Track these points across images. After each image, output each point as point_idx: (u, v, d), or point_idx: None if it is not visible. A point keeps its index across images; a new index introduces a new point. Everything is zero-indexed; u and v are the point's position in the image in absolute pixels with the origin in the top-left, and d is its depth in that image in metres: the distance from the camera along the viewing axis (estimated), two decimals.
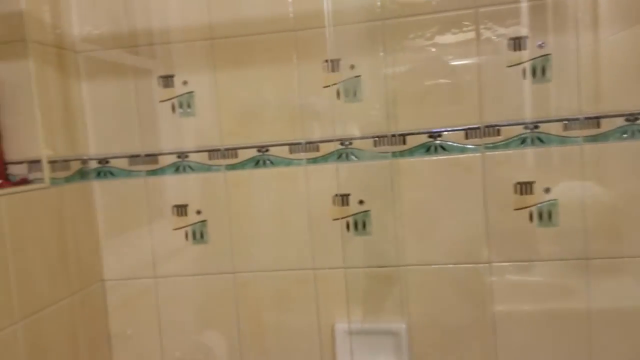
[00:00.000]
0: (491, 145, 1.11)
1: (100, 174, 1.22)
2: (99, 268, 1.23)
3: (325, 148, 1.17)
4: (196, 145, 1.20)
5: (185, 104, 1.19)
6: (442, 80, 1.12)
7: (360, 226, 1.17)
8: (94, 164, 1.22)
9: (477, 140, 1.12)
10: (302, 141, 1.17)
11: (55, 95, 1.12)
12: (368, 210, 1.17)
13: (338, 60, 1.15)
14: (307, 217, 1.18)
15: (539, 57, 1.09)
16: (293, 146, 1.17)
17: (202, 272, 1.22)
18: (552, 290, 1.12)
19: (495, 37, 1.10)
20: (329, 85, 1.15)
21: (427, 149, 1.14)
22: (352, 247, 1.18)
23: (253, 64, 1.17)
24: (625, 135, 1.07)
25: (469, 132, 1.12)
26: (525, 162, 1.11)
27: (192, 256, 1.22)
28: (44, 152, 1.07)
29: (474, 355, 1.16)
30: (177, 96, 1.19)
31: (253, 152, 1.18)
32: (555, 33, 1.08)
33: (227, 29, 1.16)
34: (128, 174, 1.21)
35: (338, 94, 1.15)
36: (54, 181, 1.09)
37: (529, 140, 1.10)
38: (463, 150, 1.13)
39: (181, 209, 1.21)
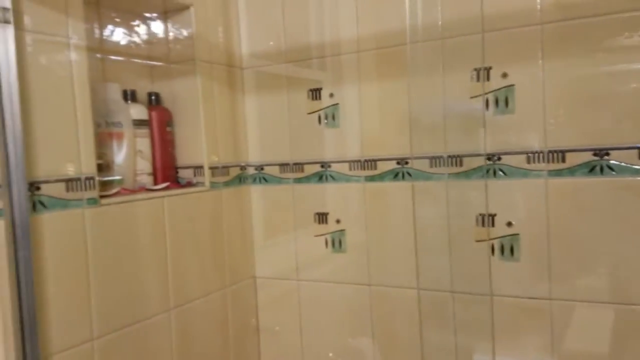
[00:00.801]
0: None
1: (256, 179, 1.32)
2: (251, 265, 1.34)
3: (470, 163, 1.09)
4: (338, 156, 1.22)
5: (330, 115, 1.22)
6: (610, 91, 0.96)
7: (507, 251, 1.07)
8: (251, 170, 1.33)
9: None
10: (444, 155, 1.11)
11: (221, 108, 1.25)
12: (517, 234, 1.06)
13: (489, 69, 1.06)
14: (446, 235, 1.12)
15: None
16: (434, 159, 1.12)
17: (339, 280, 1.24)
18: None
19: None
20: (477, 96, 1.07)
21: (591, 168, 0.99)
22: (496, 273, 1.08)
23: (396, 75, 1.15)
24: None
25: None
26: None
27: (331, 264, 1.25)
28: (206, 159, 1.20)
29: None
30: (323, 108, 1.23)
31: (392, 165, 1.16)
32: None
33: (373, 40, 1.16)
34: (279, 180, 1.29)
35: (487, 104, 1.06)
36: (214, 185, 1.21)
37: None
38: (636, 172, 0.95)
39: (322, 217, 1.25)
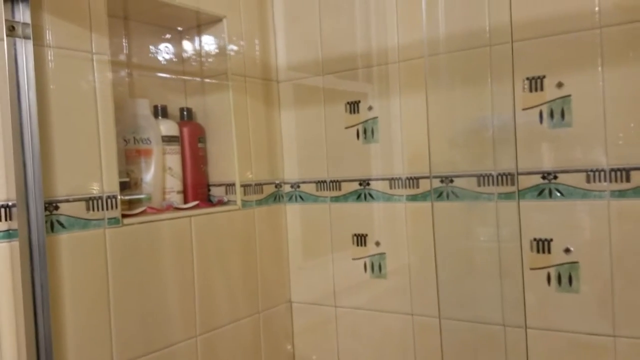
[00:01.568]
0: None
1: (292, 198, 1.26)
2: (286, 290, 1.27)
3: (524, 182, 0.98)
4: (377, 173, 1.14)
5: (369, 130, 1.15)
6: None
7: (564, 280, 0.95)
8: (287, 188, 1.26)
9: None
10: (494, 172, 1.01)
11: (255, 123, 1.19)
12: (576, 262, 0.94)
13: (542, 78, 0.96)
14: (497, 261, 1.01)
15: None
16: (482, 178, 1.02)
17: (379, 309, 1.15)
18: None
19: None
20: (530, 107, 0.97)
21: None
22: (553, 305, 0.96)
23: (441, 85, 1.06)
24: None
25: None
26: None
27: (370, 290, 1.16)
28: (238, 176, 1.15)
29: None
30: (362, 122, 1.16)
31: (436, 183, 1.07)
32: None
33: (414, 49, 1.08)
34: (315, 199, 1.22)
35: (541, 117, 0.96)
36: (246, 204, 1.16)
37: None
38: None
39: (361, 239, 1.17)
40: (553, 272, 0.96)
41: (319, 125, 1.21)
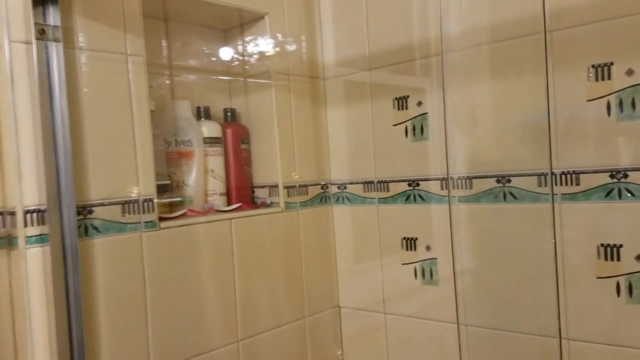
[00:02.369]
0: None
1: (339, 199, 1.21)
2: (334, 294, 1.22)
3: (589, 181, 0.88)
4: (427, 173, 1.06)
5: (418, 127, 1.07)
6: None
7: (637, 291, 0.84)
8: (334, 189, 1.22)
9: None
10: (556, 171, 0.91)
11: (300, 122, 1.15)
12: None
13: (609, 65, 0.85)
14: (560, 269, 0.91)
15: None
16: (541, 177, 0.92)
17: (430, 317, 1.08)
18: None
19: None
20: (596, 98, 0.87)
21: None
22: (623, 318, 0.85)
23: (495, 77, 0.97)
24: None
25: None
26: None
27: (421, 297, 1.09)
28: (281, 177, 1.11)
29: None
30: (410, 119, 1.09)
31: (491, 183, 0.98)
32: None
33: (466, 38, 1.00)
34: (362, 200, 1.17)
35: (608, 108, 0.85)
36: (289, 205, 1.12)
37: None
38: None
39: (410, 242, 1.10)
40: (623, 281, 0.85)
41: (366, 123, 1.15)
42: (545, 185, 0.91)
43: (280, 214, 1.10)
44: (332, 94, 1.21)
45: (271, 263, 1.08)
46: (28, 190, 0.74)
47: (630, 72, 0.83)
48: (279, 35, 1.12)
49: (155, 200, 0.89)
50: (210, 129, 1.08)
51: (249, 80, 1.16)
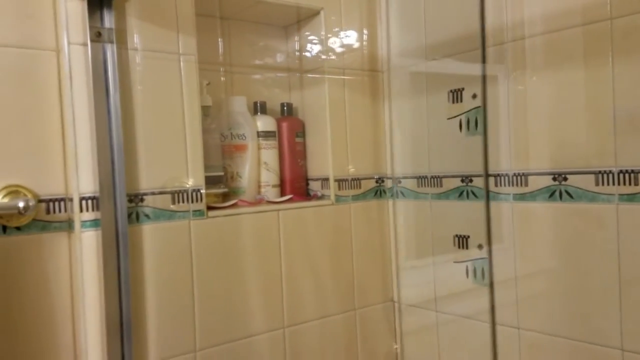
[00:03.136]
0: None
1: (394, 193, 1.20)
2: (388, 288, 1.21)
3: None
4: (481, 169, 1.02)
5: (472, 120, 1.03)
6: None
7: None
8: (389, 183, 1.20)
9: None
10: (614, 169, 0.84)
11: (355, 116, 1.16)
12: None
13: None
14: (616, 274, 0.84)
15: None
16: (601, 175, 0.86)
17: (481, 319, 1.04)
18: None
19: None
20: None
21: None
22: None
23: (550, 67, 0.91)
24: None
25: None
26: None
27: (472, 297, 1.05)
28: (331, 170, 1.12)
29: None
30: (465, 112, 1.05)
31: (547, 181, 0.92)
32: None
33: (534, 24, 0.94)
34: (416, 195, 1.15)
35: None
36: (340, 199, 1.13)
37: None
38: None
39: (462, 240, 1.06)
40: None
41: (421, 116, 1.13)
42: (603, 184, 0.84)
43: (330, 206, 1.11)
44: (388, 87, 1.19)
45: (320, 254, 1.10)
46: (84, 179, 0.82)
47: None
48: (335, 29, 1.13)
49: (202, 191, 0.94)
50: (264, 123, 1.12)
51: (305, 75, 1.18)
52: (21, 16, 0.81)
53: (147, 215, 0.88)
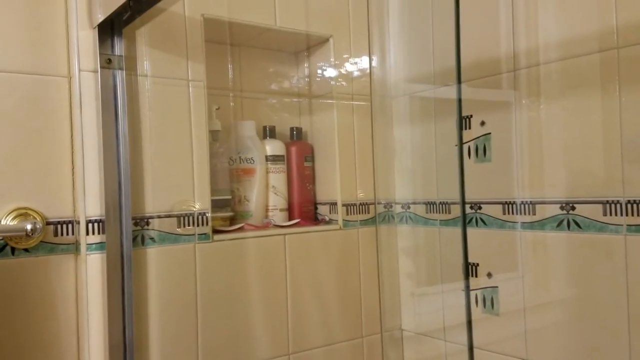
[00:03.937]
0: None
1: (402, 219, 1.19)
2: (396, 315, 1.20)
3: None
4: (489, 196, 1.01)
5: (480, 147, 1.03)
6: None
7: None
8: (397, 209, 1.20)
9: None
10: (622, 199, 0.82)
11: (363, 141, 1.16)
12: None
13: None
14: (624, 306, 0.82)
15: None
16: (609, 205, 0.84)
17: (491, 349, 1.01)
18: None
19: None
20: None
21: None
22: None
23: (559, 97, 0.90)
24: None
25: None
26: None
27: (481, 327, 1.03)
28: (339, 195, 1.12)
29: None
30: (473, 139, 1.04)
31: (555, 210, 0.91)
32: None
33: (540, 54, 0.94)
34: (425, 221, 1.14)
35: None
36: (348, 223, 1.13)
37: None
38: None
39: (471, 268, 1.05)
40: None
41: (429, 142, 1.13)
42: (611, 214, 0.83)
43: (338, 231, 1.11)
44: (397, 113, 1.20)
45: (326, 279, 1.09)
46: (91, 202, 0.83)
47: None
48: (345, 55, 1.14)
49: (208, 215, 0.95)
50: (273, 147, 1.13)
51: (314, 100, 1.19)
52: (35, 44, 0.84)
53: (152, 239, 0.89)
